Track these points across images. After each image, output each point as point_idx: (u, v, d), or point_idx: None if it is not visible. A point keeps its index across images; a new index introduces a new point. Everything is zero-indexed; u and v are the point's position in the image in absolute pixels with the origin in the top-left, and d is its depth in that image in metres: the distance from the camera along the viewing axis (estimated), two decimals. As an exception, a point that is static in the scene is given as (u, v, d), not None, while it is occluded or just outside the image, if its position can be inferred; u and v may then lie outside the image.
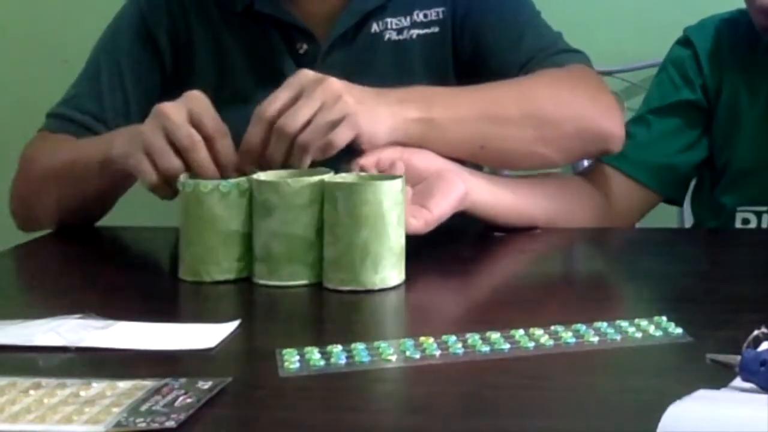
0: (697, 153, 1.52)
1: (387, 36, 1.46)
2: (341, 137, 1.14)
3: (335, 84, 1.15)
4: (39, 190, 1.39)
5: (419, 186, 1.18)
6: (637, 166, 1.48)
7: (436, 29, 1.46)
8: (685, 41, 1.55)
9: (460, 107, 1.25)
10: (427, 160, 1.20)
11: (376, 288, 1.06)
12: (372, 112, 1.17)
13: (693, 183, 1.59)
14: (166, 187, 1.15)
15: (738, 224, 1.48)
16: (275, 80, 1.41)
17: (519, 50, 1.42)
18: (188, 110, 1.15)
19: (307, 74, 1.16)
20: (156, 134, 1.15)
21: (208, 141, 1.14)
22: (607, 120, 1.33)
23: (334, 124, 1.13)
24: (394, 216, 1.07)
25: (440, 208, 1.16)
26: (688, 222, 1.83)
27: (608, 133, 1.33)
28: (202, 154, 1.13)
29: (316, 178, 1.09)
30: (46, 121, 1.48)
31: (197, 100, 1.17)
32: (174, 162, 1.14)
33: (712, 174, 1.53)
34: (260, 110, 1.15)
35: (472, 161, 1.32)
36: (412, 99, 1.22)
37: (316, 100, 1.13)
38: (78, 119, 1.45)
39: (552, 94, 1.31)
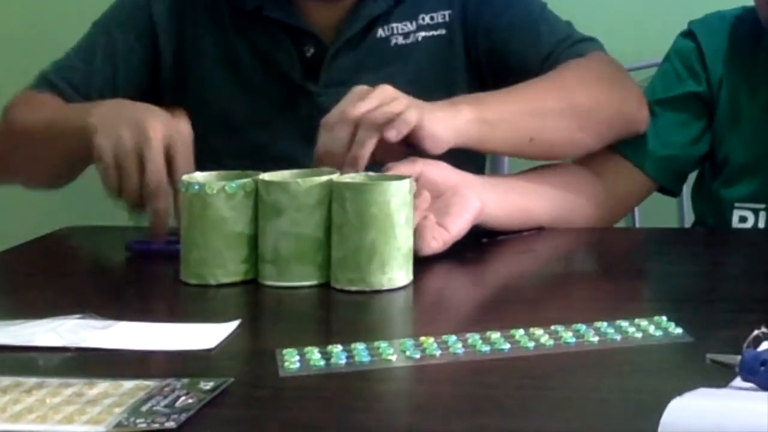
0: (701, 146, 1.52)
1: (393, 41, 1.48)
2: (410, 118, 1.15)
3: (390, 88, 1.18)
4: (14, 146, 1.42)
5: (437, 203, 1.19)
6: (643, 156, 1.48)
7: (442, 31, 1.49)
8: (689, 34, 1.56)
9: (508, 106, 1.28)
10: (443, 174, 1.22)
11: (384, 288, 1.06)
12: (431, 113, 1.19)
13: (694, 176, 1.60)
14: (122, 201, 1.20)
15: (735, 221, 1.48)
16: (283, 81, 1.46)
17: (538, 47, 1.45)
18: (168, 142, 1.17)
19: (361, 87, 1.19)
20: (131, 155, 1.17)
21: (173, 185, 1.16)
22: (632, 104, 1.40)
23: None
24: (402, 216, 1.07)
25: (457, 226, 1.19)
26: (688, 221, 1.83)
27: (635, 116, 1.41)
28: (161, 205, 1.16)
29: (325, 178, 1.09)
30: (36, 79, 1.50)
31: (181, 136, 1.19)
32: (135, 198, 1.17)
33: (713, 167, 1.53)
34: (323, 121, 1.17)
35: (520, 156, 1.35)
36: (462, 102, 1.25)
37: (375, 98, 1.16)
38: (64, 90, 1.47)
39: (584, 85, 1.36)
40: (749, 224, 1.47)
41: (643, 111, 1.41)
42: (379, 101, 1.16)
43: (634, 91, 1.42)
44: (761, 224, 1.46)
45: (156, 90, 1.49)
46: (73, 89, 1.47)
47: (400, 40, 1.48)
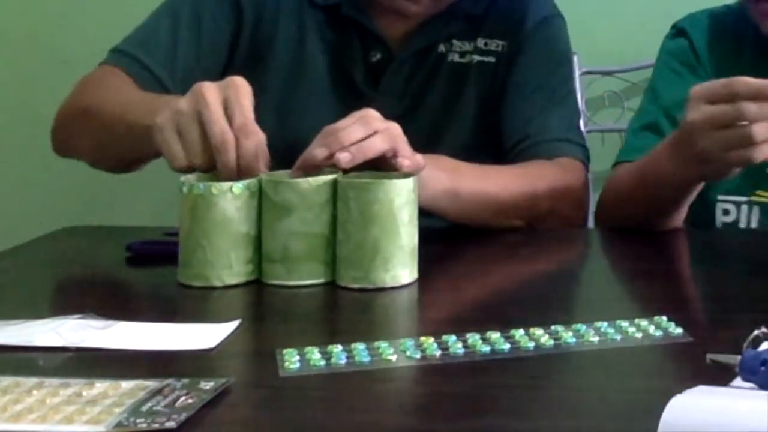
0: None
1: (450, 57, 1.50)
2: (421, 162, 1.15)
3: (401, 131, 1.16)
4: (81, 125, 1.41)
5: None
6: None
7: (493, 59, 1.51)
8: (679, 32, 1.57)
9: (480, 181, 1.32)
10: None
11: (387, 286, 1.06)
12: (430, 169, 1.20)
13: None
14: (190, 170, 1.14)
15: (719, 215, 1.48)
16: (344, 82, 1.48)
17: (531, 118, 1.48)
18: (225, 98, 1.13)
19: (375, 113, 1.16)
20: (191, 120, 1.12)
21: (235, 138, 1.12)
22: (573, 212, 1.43)
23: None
24: (405, 214, 1.07)
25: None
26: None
27: (571, 221, 1.43)
28: (229, 156, 1.10)
29: (332, 176, 1.09)
30: (112, 55, 1.48)
31: (237, 89, 1.14)
32: (203, 160, 1.12)
33: None
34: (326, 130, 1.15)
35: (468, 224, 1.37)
36: (444, 168, 1.27)
37: (393, 128, 1.15)
38: (149, 66, 1.45)
39: (550, 195, 1.38)
40: (732, 217, 1.48)
41: (579, 217, 1.45)
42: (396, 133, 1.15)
43: (580, 202, 1.45)
44: (743, 217, 1.47)
45: (229, 71, 1.47)
46: (158, 64, 1.45)
47: (456, 58, 1.50)
